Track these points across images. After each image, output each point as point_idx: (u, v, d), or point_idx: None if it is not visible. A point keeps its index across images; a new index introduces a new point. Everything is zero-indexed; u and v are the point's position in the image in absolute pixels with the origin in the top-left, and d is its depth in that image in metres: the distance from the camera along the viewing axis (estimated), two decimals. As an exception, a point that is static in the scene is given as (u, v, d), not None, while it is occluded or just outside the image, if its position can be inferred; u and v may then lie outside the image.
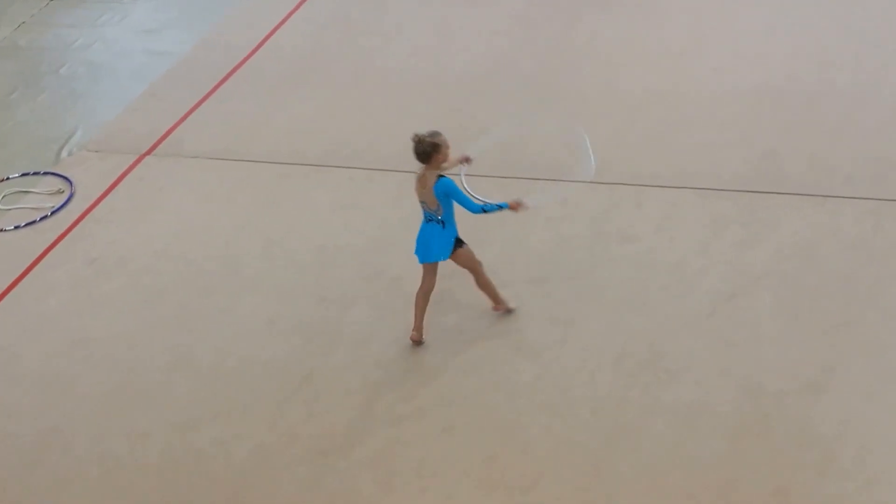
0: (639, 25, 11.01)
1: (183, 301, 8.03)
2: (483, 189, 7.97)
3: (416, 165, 7.09)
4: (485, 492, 6.40)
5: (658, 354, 7.13)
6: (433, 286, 7.30)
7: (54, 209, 9.11)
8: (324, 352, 7.44)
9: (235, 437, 6.88)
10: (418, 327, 7.32)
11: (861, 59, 10.12)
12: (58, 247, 8.71)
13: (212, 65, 11.01)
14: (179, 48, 11.47)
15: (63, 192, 9.34)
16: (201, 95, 10.52)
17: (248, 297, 7.98)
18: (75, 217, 9.01)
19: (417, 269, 7.36)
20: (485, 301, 7.52)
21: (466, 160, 7.32)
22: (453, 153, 7.13)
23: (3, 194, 9.40)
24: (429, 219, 7.11)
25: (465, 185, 7.19)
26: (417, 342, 7.34)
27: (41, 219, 9.02)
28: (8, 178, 9.60)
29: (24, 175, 9.63)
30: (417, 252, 7.22)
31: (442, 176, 6.98)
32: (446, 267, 7.36)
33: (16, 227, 8.97)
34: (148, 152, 9.79)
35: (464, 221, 7.22)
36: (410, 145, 6.97)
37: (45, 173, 9.62)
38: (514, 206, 7.06)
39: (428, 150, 6.91)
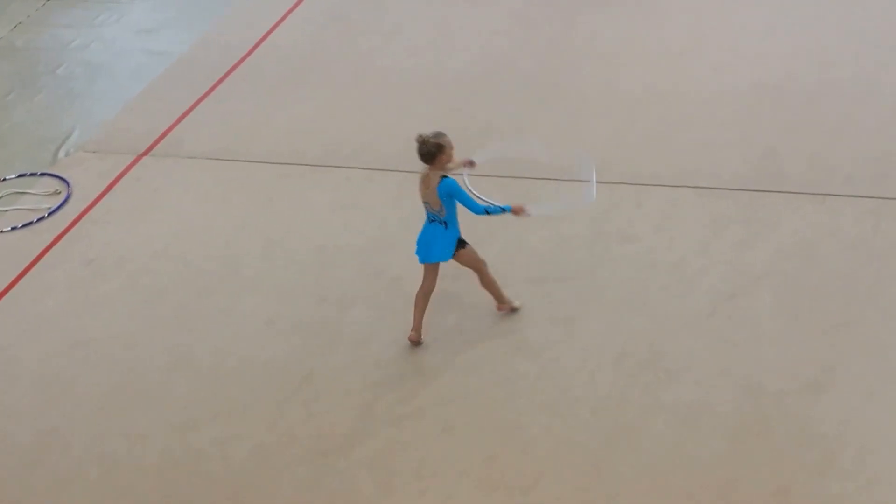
0: (639, 25, 11.00)
1: (182, 301, 8.01)
2: (483, 188, 7.96)
3: (416, 165, 7.08)
4: (485, 492, 6.38)
5: (658, 354, 7.12)
6: (433, 287, 7.28)
7: (51, 210, 9.08)
8: (323, 352, 7.42)
9: (235, 437, 6.86)
10: (417, 327, 7.30)
11: (861, 58, 10.10)
12: (55, 248, 8.68)
13: (210, 64, 10.99)
14: (177, 48, 11.44)
15: (60, 193, 9.32)
16: (199, 95, 10.50)
17: (247, 298, 7.97)
18: (72, 218, 8.98)
19: (417, 270, 7.34)
20: (485, 301, 7.50)
21: (470, 164, 7.30)
22: (455, 154, 7.11)
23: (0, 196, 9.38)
24: (431, 219, 7.09)
25: (469, 186, 7.17)
26: (416, 342, 7.32)
27: (38, 220, 8.99)
28: (5, 180, 9.57)
29: (20, 176, 9.61)
30: (418, 252, 7.20)
31: (445, 177, 6.96)
32: (449, 268, 7.34)
33: (13, 229, 8.94)
34: (146, 152, 9.77)
35: (463, 221, 7.19)
36: (410, 145, 6.96)
37: (42, 174, 9.59)
38: (517, 211, 7.07)
39: (432, 150, 6.90)
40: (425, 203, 7.08)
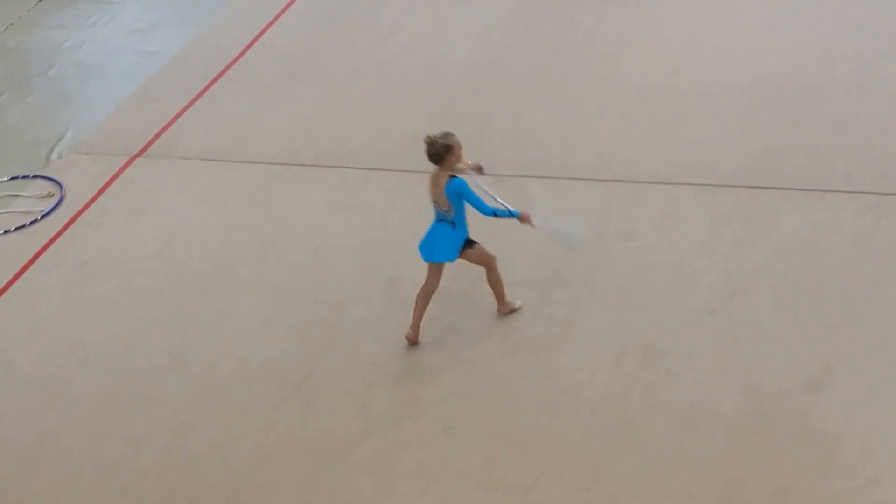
0: (637, 21, 10.98)
1: (177, 303, 7.96)
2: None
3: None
4: (484, 493, 6.34)
5: (658, 353, 7.08)
6: (436, 287, 7.24)
7: (44, 213, 9.02)
8: (320, 353, 7.37)
9: (233, 439, 6.81)
10: (415, 326, 7.25)
11: (861, 54, 10.08)
12: (49, 250, 8.63)
13: (204, 64, 10.95)
14: (170, 48, 11.40)
15: (53, 195, 9.26)
16: (193, 95, 10.45)
17: (243, 299, 7.92)
18: (66, 220, 8.92)
19: (416, 269, 7.31)
20: (485, 301, 7.47)
21: (479, 169, 7.25)
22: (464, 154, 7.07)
23: (-8, 198, 9.34)
24: (440, 219, 7.06)
25: (485, 187, 7.13)
26: (413, 341, 7.27)
27: (31, 223, 8.94)
28: (-3, 182, 9.54)
29: (13, 179, 9.55)
30: (422, 250, 7.16)
31: (454, 176, 6.92)
32: (450, 268, 7.30)
33: (5, 232, 8.88)
34: (139, 154, 9.72)
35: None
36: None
37: (35, 177, 9.54)
38: (524, 219, 7.05)
39: (440, 151, 6.87)
40: (434, 202, 7.04)
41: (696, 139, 9.12)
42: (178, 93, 10.51)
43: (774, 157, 8.80)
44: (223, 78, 10.71)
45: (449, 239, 7.06)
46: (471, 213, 7.03)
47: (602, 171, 8.85)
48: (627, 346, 7.15)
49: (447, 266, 7.27)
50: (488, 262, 7.26)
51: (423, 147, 6.93)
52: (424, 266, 7.27)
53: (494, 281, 7.33)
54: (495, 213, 6.99)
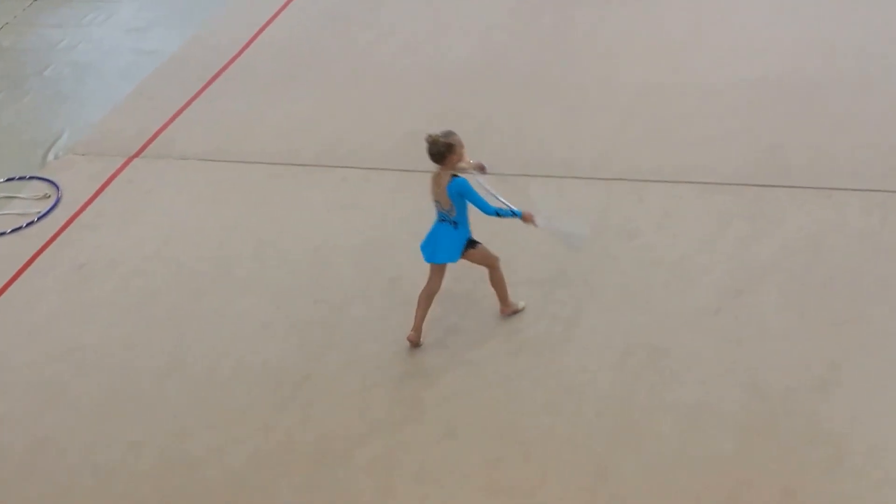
0: (638, 19, 10.95)
1: (176, 304, 7.90)
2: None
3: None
4: (487, 495, 6.28)
5: (662, 353, 7.02)
6: (438, 288, 7.17)
7: (41, 214, 8.96)
8: (320, 354, 7.32)
9: (232, 442, 6.75)
10: (417, 328, 7.19)
11: (866, 49, 10.05)
12: (45, 252, 8.57)
13: (201, 63, 10.91)
14: (167, 47, 11.35)
15: (50, 196, 9.20)
16: (191, 95, 10.41)
17: (242, 300, 7.86)
18: (63, 222, 8.86)
19: (416, 270, 7.25)
20: (486, 301, 7.41)
21: (481, 168, 7.18)
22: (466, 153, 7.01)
23: (-12, 200, 9.27)
24: (442, 219, 7.00)
25: (487, 186, 7.08)
26: (415, 343, 7.21)
27: (28, 224, 8.88)
28: (-7, 184, 9.47)
29: (9, 180, 9.49)
30: (423, 250, 7.09)
31: (456, 176, 6.85)
32: (451, 268, 7.23)
33: (1, 234, 8.82)
34: (136, 154, 9.67)
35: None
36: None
37: (31, 178, 9.48)
38: (527, 219, 6.99)
39: (442, 150, 6.81)
40: (436, 202, 6.98)
41: (698, 137, 9.07)
42: (176, 92, 10.46)
43: (778, 155, 8.74)
44: (221, 77, 10.66)
45: (451, 239, 7.00)
46: (473, 212, 6.97)
47: (603, 170, 8.79)
48: (631, 345, 7.09)
49: (449, 266, 7.21)
50: (491, 263, 7.20)
51: (423, 146, 6.87)
52: (425, 266, 7.21)
53: (497, 282, 7.27)
54: (498, 213, 6.93)
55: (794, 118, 9.16)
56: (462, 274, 7.43)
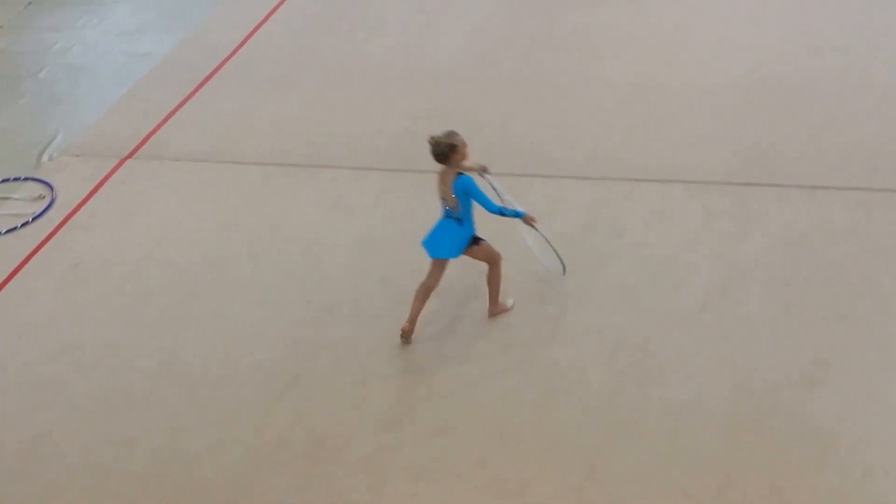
0: (627, 17, 10.97)
1: (169, 304, 7.93)
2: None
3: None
4: (479, 493, 6.32)
5: (650, 350, 7.07)
6: (437, 283, 7.21)
7: (36, 215, 8.99)
8: (313, 353, 7.35)
9: (224, 442, 6.79)
10: (412, 319, 7.21)
11: (850, 49, 10.08)
12: (40, 253, 8.59)
13: (194, 65, 10.92)
14: (160, 49, 11.38)
15: (44, 197, 9.23)
16: (183, 96, 10.43)
17: (234, 300, 7.89)
18: (57, 223, 8.90)
19: (407, 269, 7.29)
20: (477, 299, 7.47)
21: (484, 169, 7.23)
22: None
23: (-17, 201, 9.30)
24: (447, 215, 7.06)
25: (494, 184, 7.13)
26: (407, 334, 7.22)
27: (22, 225, 8.91)
28: (-12, 185, 9.50)
29: (4, 181, 9.51)
30: (426, 245, 7.14)
31: (462, 174, 6.92)
32: (454, 268, 7.27)
33: (-3, 234, 8.87)
34: (130, 155, 9.69)
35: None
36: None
37: (26, 179, 9.51)
38: (529, 221, 7.06)
39: (445, 151, 6.88)
40: (442, 199, 7.04)
41: (687, 136, 9.11)
42: (169, 94, 10.48)
43: (765, 154, 8.79)
44: (214, 78, 10.68)
45: (454, 236, 7.05)
46: (478, 210, 7.02)
47: (592, 169, 8.83)
48: (619, 343, 7.14)
49: (458, 270, 7.22)
50: (493, 259, 7.25)
51: (414, 146, 6.91)
52: (417, 265, 7.25)
53: (494, 280, 7.31)
54: (501, 212, 6.99)
55: (780, 117, 9.20)
56: (461, 272, 7.47)
